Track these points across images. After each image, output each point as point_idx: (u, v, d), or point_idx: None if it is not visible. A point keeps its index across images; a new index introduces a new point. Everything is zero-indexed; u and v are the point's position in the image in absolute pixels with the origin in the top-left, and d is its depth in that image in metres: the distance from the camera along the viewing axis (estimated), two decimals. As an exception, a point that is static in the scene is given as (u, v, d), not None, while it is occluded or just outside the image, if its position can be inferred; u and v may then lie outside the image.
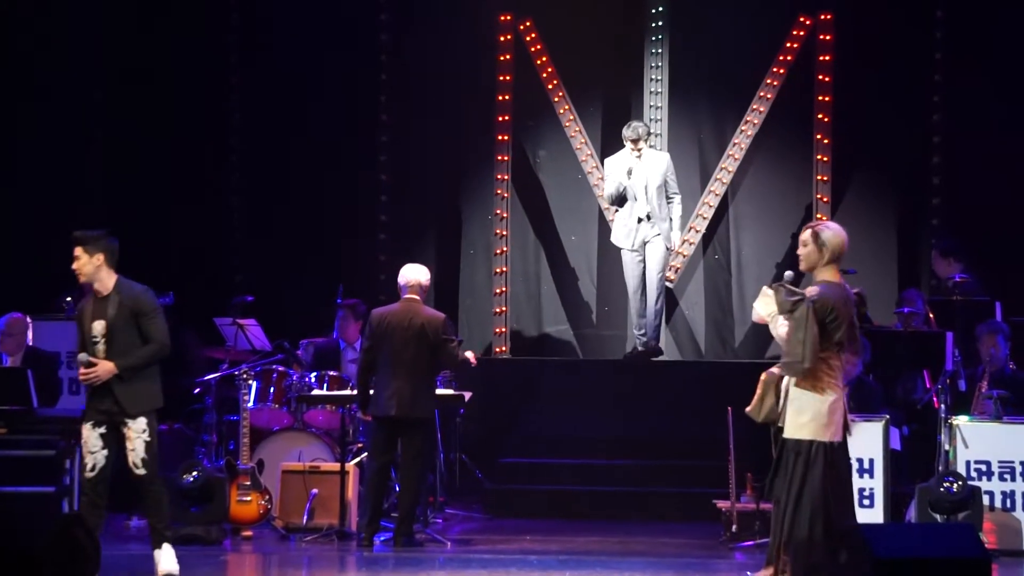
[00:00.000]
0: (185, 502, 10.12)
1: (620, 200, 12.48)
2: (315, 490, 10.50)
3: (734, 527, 9.99)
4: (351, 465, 10.54)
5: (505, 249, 13.48)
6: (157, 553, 8.47)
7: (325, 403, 11.05)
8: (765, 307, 7.88)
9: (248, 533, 10.36)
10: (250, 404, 10.80)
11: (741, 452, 10.14)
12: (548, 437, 12.33)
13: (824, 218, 12.85)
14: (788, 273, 7.96)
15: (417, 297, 9.93)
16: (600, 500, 11.72)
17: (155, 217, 13.17)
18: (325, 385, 11.09)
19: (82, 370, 8.36)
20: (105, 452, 8.35)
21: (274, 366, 11.29)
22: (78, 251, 8.37)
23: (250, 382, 10.83)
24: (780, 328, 7.76)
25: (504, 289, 13.44)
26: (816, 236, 7.88)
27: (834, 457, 7.73)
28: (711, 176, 13.41)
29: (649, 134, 12.61)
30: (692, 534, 10.48)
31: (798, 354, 7.62)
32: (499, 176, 13.50)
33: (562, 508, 11.65)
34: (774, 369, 7.95)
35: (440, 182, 13.88)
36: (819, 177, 13.16)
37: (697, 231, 13.37)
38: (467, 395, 10.74)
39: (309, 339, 11.98)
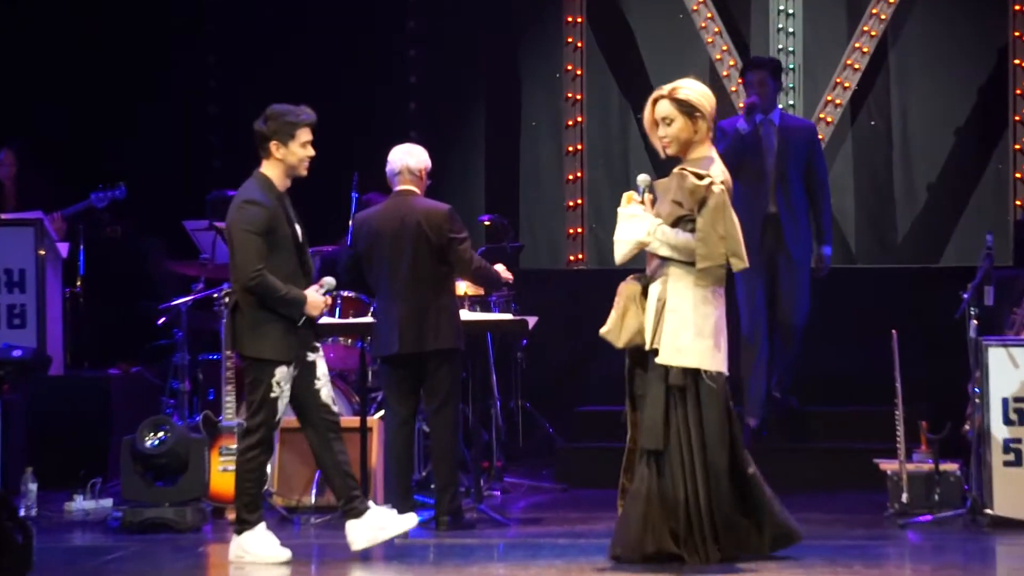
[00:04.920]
0: (149, 474, 9.88)
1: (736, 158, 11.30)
2: (326, 455, 10.37)
3: (904, 496, 9.89)
4: (375, 419, 10.43)
5: (580, 119, 13.52)
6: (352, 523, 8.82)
7: (338, 335, 10.89)
8: (637, 227, 7.94)
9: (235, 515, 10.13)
10: (235, 337, 10.71)
11: (912, 391, 10.09)
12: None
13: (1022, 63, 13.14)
14: (643, 176, 8.18)
15: (412, 188, 9.80)
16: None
17: (112, 93, 13.50)
18: (337, 310, 10.90)
19: (326, 299, 8.80)
20: None
21: (267, 285, 11.17)
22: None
23: (234, 307, 10.70)
24: (677, 236, 7.93)
25: (579, 174, 13.51)
26: (682, 103, 7.93)
27: (728, 391, 8.06)
28: (864, 11, 13.29)
29: (780, 69, 11.85)
30: (845, 507, 10.37)
31: (720, 255, 7.86)
32: (569, 18, 13.54)
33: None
34: (634, 278, 8.16)
35: (489, 29, 13.80)
36: (1016, 7, 13.08)
37: (846, 88, 13.29)
38: (531, 321, 10.46)
39: (314, 247, 11.60)
